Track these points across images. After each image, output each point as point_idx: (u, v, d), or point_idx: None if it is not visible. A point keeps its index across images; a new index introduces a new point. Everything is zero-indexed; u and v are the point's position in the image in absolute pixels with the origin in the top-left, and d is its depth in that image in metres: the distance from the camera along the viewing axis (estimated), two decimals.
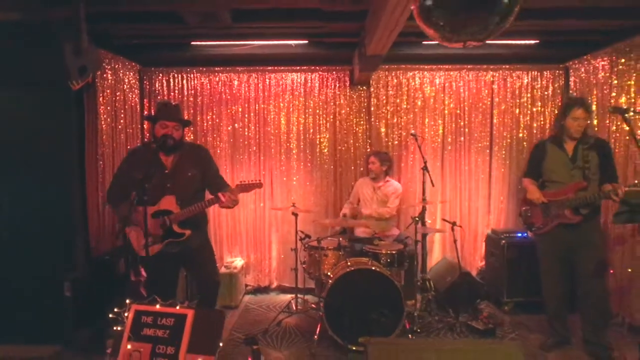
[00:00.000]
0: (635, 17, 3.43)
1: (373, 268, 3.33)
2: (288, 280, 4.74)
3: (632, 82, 3.65)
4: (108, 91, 3.94)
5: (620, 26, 3.64)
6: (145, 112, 4.68)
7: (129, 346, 1.94)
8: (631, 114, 2.53)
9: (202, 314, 2.00)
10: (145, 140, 4.61)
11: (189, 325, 1.96)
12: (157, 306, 2.06)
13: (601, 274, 3.19)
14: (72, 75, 3.01)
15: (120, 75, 4.18)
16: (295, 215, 3.99)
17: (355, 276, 3.33)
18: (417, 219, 3.67)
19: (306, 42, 4.14)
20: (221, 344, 1.94)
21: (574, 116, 3.13)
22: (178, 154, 2.95)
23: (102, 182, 3.84)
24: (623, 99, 3.74)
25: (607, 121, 3.90)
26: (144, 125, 4.68)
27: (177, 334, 1.96)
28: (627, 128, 2.59)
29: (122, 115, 4.19)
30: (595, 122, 4.02)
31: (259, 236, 4.82)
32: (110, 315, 2.09)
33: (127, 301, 2.10)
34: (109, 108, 3.96)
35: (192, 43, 4.21)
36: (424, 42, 4.19)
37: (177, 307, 2.04)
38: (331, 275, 3.47)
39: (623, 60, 3.75)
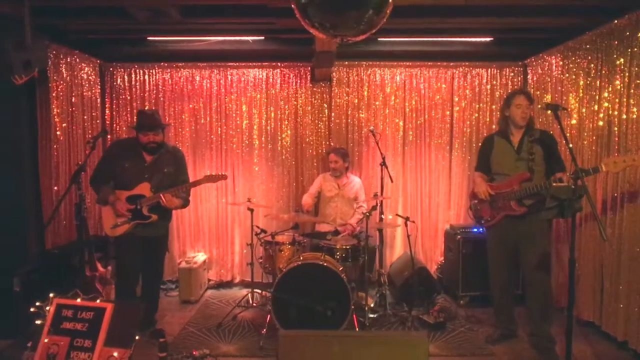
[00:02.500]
0: (581, 14, 3.47)
1: (320, 262, 3.36)
2: (250, 275, 4.76)
3: (581, 81, 3.70)
4: (62, 86, 3.93)
5: (569, 24, 3.68)
6: (107, 107, 4.70)
7: (46, 340, 1.96)
8: (562, 110, 2.58)
9: (120, 308, 2.02)
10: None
11: (107, 319, 1.98)
12: (78, 300, 2.07)
13: (545, 266, 3.24)
14: (15, 70, 3.00)
15: (78, 69, 4.17)
16: (251, 210, 4.01)
17: (303, 270, 3.37)
18: (368, 214, 3.71)
19: (262, 38, 4.15)
20: (137, 338, 1.96)
21: (516, 104, 3.17)
22: (159, 152, 3.31)
23: (56, 176, 3.84)
24: (572, 97, 3.80)
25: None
26: (106, 120, 4.70)
27: (96, 327, 1.98)
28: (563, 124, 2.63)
29: (79, 110, 4.19)
30: (551, 119, 4.08)
31: (221, 231, 4.84)
32: (32, 309, 2.11)
33: (50, 295, 2.12)
34: (63, 103, 3.95)
35: (149, 38, 4.20)
36: (379, 39, 4.21)
37: (98, 301, 2.06)
38: (283, 270, 3.50)
39: (573, 58, 3.80)
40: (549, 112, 3.98)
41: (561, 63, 3.98)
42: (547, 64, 4.23)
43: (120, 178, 3.27)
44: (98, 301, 2.07)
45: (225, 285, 4.87)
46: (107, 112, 4.70)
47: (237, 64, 4.68)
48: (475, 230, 4.26)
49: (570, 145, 2.69)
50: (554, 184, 2.65)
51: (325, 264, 3.35)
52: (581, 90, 3.70)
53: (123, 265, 3.35)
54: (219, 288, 4.83)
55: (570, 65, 3.82)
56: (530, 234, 3.21)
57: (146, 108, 4.57)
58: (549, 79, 4.17)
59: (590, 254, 3.56)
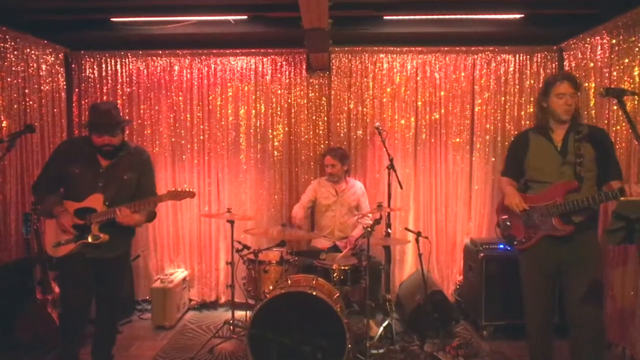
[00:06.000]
0: None
1: (309, 291, 2.71)
2: (238, 294, 4.12)
3: (637, 65, 2.98)
4: (10, 76, 3.35)
5: None
6: (74, 100, 4.12)
7: None
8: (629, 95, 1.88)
9: None
10: (75, 131, 4.12)
11: None
12: None
13: (597, 299, 2.54)
14: None
15: (33, 58, 3.59)
16: (231, 222, 3.37)
17: (288, 300, 2.72)
18: (370, 229, 3.03)
19: (245, 17, 3.52)
20: None
21: (558, 92, 2.46)
22: (118, 156, 2.71)
23: (1, 181, 3.27)
24: (625, 85, 3.07)
25: (607, 111, 3.24)
26: (74, 117, 4.13)
27: None
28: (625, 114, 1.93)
29: (36, 105, 3.62)
30: (593, 112, 3.39)
31: (204, 244, 4.22)
32: None
33: None
34: (13, 96, 3.38)
35: (113, 19, 3.61)
36: (385, 17, 3.55)
37: None
38: (267, 295, 2.87)
39: (625, 37, 3.08)
40: (595, 99, 3.31)
41: (607, 45, 3.26)
42: (589, 46, 3.50)
43: (70, 186, 2.65)
44: None
45: (209, 306, 4.24)
46: (74, 107, 4.12)
47: (221, 51, 4.06)
48: (501, 246, 3.55)
49: None
50: (622, 198, 1.95)
51: (315, 293, 2.69)
52: (637, 77, 2.97)
53: (67, 292, 2.73)
54: (201, 309, 4.21)
55: (623, 46, 3.09)
56: (577, 258, 2.50)
57: (118, 103, 3.98)
58: (591, 65, 3.45)
59: None
